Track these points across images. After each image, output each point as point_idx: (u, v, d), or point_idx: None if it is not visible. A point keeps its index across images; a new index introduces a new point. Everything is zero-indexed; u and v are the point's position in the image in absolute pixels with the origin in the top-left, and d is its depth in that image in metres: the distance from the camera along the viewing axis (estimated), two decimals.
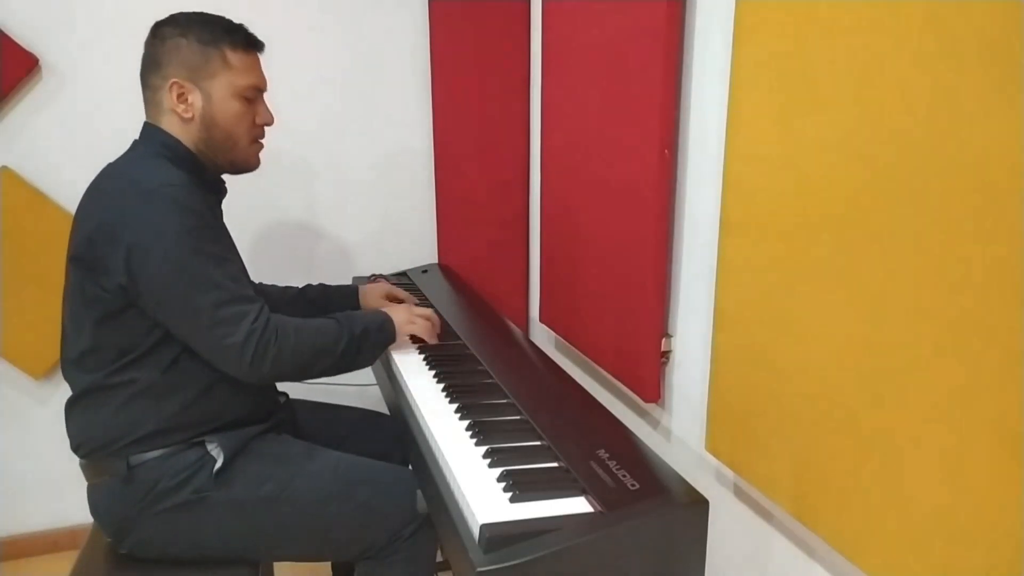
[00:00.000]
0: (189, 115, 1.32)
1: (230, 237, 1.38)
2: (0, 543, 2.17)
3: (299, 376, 1.34)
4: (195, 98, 1.32)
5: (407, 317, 1.53)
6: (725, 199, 1.23)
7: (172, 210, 1.20)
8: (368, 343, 1.40)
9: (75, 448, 1.31)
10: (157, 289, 1.20)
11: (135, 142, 1.36)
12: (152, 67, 1.33)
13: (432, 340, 1.57)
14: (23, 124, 1.97)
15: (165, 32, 1.32)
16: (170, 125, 1.33)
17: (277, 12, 2.06)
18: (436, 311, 1.65)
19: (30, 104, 1.96)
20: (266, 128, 1.42)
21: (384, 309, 1.51)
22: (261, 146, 1.43)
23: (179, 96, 1.31)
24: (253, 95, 1.38)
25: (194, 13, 1.35)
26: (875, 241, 0.93)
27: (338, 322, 1.37)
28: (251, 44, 1.38)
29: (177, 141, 1.33)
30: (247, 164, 1.42)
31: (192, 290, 1.19)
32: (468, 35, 2.12)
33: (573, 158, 1.77)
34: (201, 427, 1.30)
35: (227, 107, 1.34)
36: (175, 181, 1.24)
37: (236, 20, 1.38)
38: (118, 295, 1.22)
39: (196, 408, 1.28)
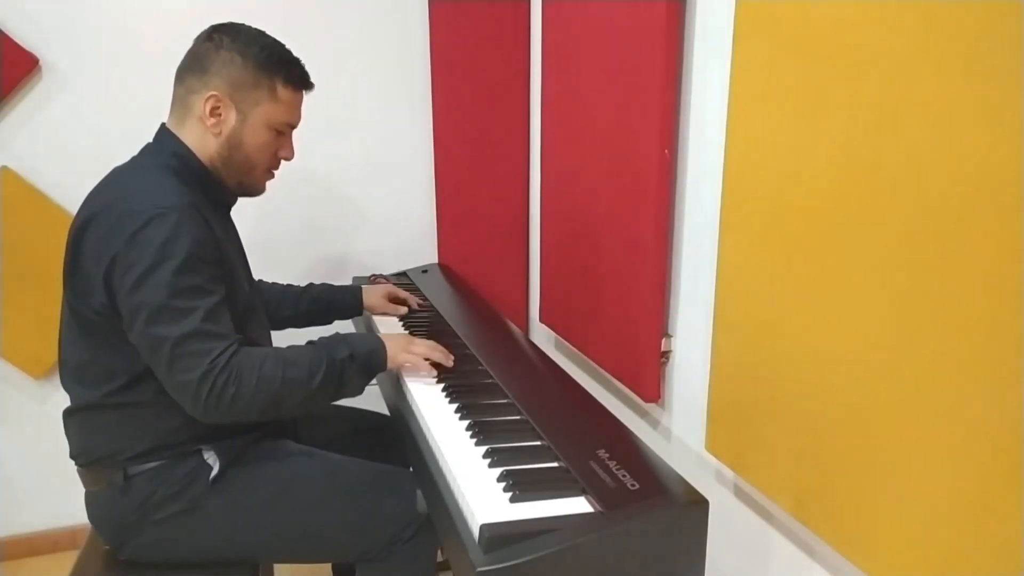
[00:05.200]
0: (218, 130, 1.29)
1: (231, 258, 1.31)
2: (0, 543, 2.17)
3: (269, 414, 1.24)
4: (229, 115, 1.28)
5: (403, 344, 1.41)
6: (725, 199, 1.24)
7: (158, 235, 1.14)
8: (354, 369, 1.29)
9: (73, 456, 1.31)
10: (128, 312, 1.15)
11: (147, 146, 1.33)
12: (196, 69, 1.28)
13: (424, 370, 1.42)
14: (23, 124, 1.96)
15: (224, 41, 1.28)
16: (190, 132, 1.30)
17: (276, 12, 2.06)
18: (438, 319, 1.53)
19: (30, 104, 1.96)
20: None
21: (383, 335, 1.40)
22: (272, 176, 1.41)
23: (213, 109, 1.27)
24: (285, 129, 1.36)
25: (256, 31, 1.31)
26: (875, 241, 0.93)
27: (317, 349, 1.28)
28: (303, 83, 1.35)
29: (190, 152, 1.29)
30: (254, 190, 1.40)
31: (158, 319, 1.13)
32: (468, 35, 2.13)
33: (573, 158, 1.77)
34: (200, 438, 1.28)
35: (258, 135, 1.31)
36: (171, 203, 1.18)
37: (271, 33, 1.34)
38: (105, 316, 1.19)
39: (196, 423, 1.24)
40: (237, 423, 1.27)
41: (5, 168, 1.95)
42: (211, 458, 1.29)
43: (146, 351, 1.17)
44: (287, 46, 1.34)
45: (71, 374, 1.28)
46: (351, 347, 1.30)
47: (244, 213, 1.52)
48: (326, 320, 1.82)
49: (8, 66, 1.90)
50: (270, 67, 1.29)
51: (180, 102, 1.31)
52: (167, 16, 1.99)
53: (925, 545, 0.90)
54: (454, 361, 1.45)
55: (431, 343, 1.45)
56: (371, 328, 1.81)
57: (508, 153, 2.21)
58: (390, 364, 1.36)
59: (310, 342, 1.31)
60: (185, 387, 1.15)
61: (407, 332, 1.74)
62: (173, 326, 1.13)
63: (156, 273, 1.14)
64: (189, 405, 1.17)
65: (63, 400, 1.31)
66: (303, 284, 1.79)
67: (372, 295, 1.83)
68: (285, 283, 1.78)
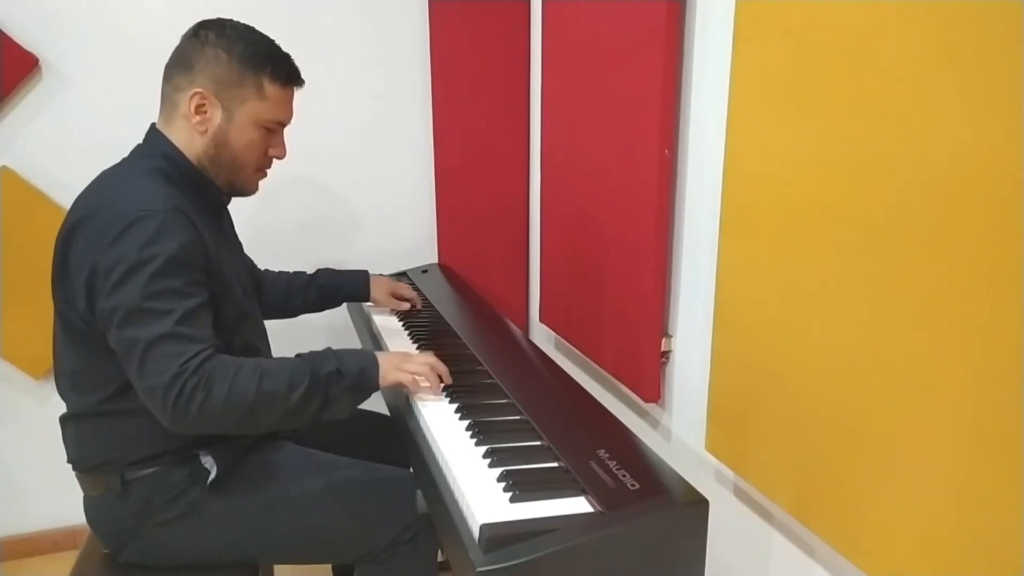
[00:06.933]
0: (203, 128, 1.26)
1: (222, 264, 1.26)
2: (0, 543, 2.17)
3: (245, 427, 1.18)
4: (214, 113, 1.26)
5: (397, 362, 1.31)
6: (725, 199, 1.24)
7: (138, 238, 1.11)
8: (343, 386, 1.22)
9: (71, 462, 1.30)
10: (106, 314, 1.12)
11: (138, 147, 1.31)
12: (182, 66, 1.25)
13: (417, 390, 1.35)
14: (23, 124, 1.96)
15: (209, 38, 1.25)
16: (177, 130, 1.28)
17: (276, 13, 2.06)
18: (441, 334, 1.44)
19: (30, 104, 1.96)
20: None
21: (379, 352, 1.32)
22: (264, 175, 1.37)
23: (198, 107, 1.24)
24: (274, 127, 1.32)
25: (244, 27, 1.28)
26: (874, 241, 0.93)
27: (302, 363, 1.21)
28: (292, 79, 1.31)
29: (179, 153, 1.27)
30: (245, 190, 1.36)
31: (131, 321, 1.10)
32: (468, 35, 2.13)
33: (573, 158, 1.77)
34: (197, 443, 1.27)
35: (244, 133, 1.28)
36: (154, 206, 1.15)
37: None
38: (91, 323, 1.17)
39: None
40: (211, 434, 1.22)
41: (5, 168, 1.95)
42: (208, 462, 1.28)
43: (120, 355, 1.14)
44: (278, 42, 1.31)
45: (65, 381, 1.27)
46: (340, 362, 1.23)
47: (242, 213, 1.52)
48: (335, 304, 1.83)
49: (8, 66, 1.90)
50: (256, 64, 1.26)
51: (167, 101, 1.28)
52: (167, 16, 1.99)
53: (925, 545, 0.90)
54: (455, 360, 1.40)
55: (429, 361, 1.35)
56: (370, 325, 1.82)
57: (508, 153, 2.21)
58: (383, 383, 1.28)
59: (299, 355, 1.26)
60: (153, 391, 1.10)
61: (407, 332, 1.75)
62: (145, 328, 1.10)
63: (134, 275, 1.11)
64: (158, 411, 1.11)
65: (63, 402, 1.31)
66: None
67: (378, 288, 1.84)
68: (292, 271, 1.79)
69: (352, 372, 1.24)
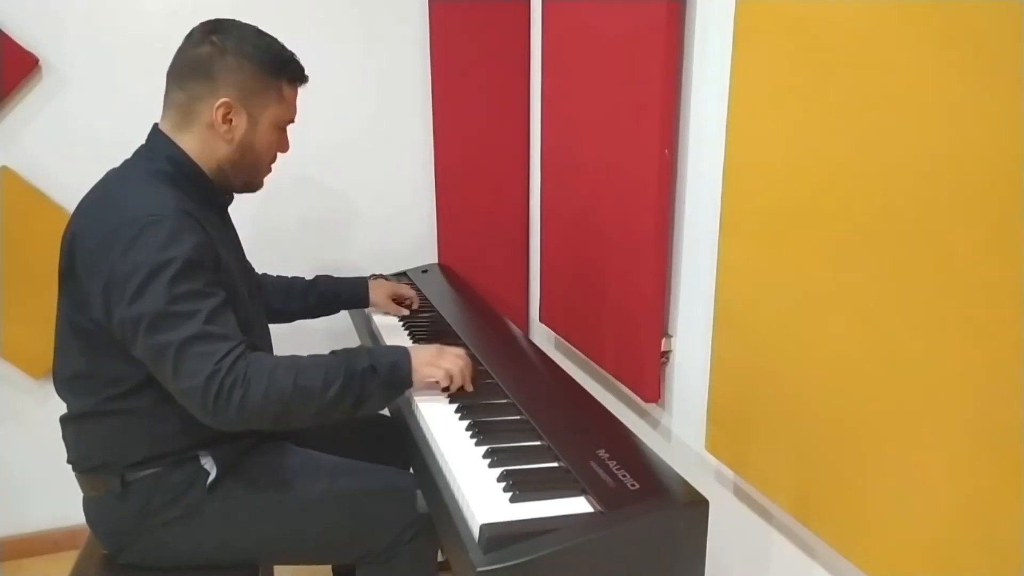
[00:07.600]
0: (230, 136, 1.27)
1: (229, 265, 1.28)
2: (0, 543, 2.17)
3: (283, 423, 1.19)
4: (240, 121, 1.27)
5: (429, 358, 1.32)
6: (725, 199, 1.24)
7: (153, 243, 1.12)
8: (376, 382, 1.23)
9: (71, 462, 1.30)
10: (130, 324, 1.12)
11: (140, 148, 1.30)
12: (200, 75, 1.24)
13: (453, 388, 1.35)
14: (23, 124, 1.96)
15: (227, 45, 1.24)
16: (195, 138, 1.27)
17: (277, 12, 2.06)
18: (469, 353, 1.41)
19: (30, 104, 1.96)
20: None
21: (412, 347, 1.32)
22: (270, 171, 1.40)
23: (224, 116, 1.25)
24: (286, 126, 1.36)
25: (252, 30, 1.29)
26: (874, 241, 0.93)
27: (336, 359, 1.22)
28: (303, 79, 1.35)
29: (184, 156, 1.27)
30: (257, 187, 1.40)
31: (159, 327, 1.10)
32: (468, 35, 2.13)
33: (573, 158, 1.77)
34: (197, 445, 1.27)
35: (267, 136, 1.31)
36: (164, 210, 1.15)
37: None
38: (102, 326, 1.17)
39: (193, 430, 1.23)
40: (245, 429, 1.21)
41: (5, 168, 1.95)
42: (208, 464, 1.28)
43: (151, 361, 1.14)
44: (283, 42, 1.33)
45: (65, 383, 1.27)
46: (373, 359, 1.24)
47: (243, 213, 1.52)
48: (334, 311, 1.83)
49: (8, 66, 1.89)
50: (275, 70, 1.29)
51: (181, 108, 1.27)
52: (167, 16, 1.99)
53: (925, 545, 0.90)
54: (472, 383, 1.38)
55: (460, 362, 1.35)
56: (371, 326, 1.82)
57: (508, 153, 2.21)
58: (416, 379, 1.29)
59: (333, 352, 1.26)
60: (192, 392, 1.11)
61: (407, 332, 1.75)
62: (175, 332, 1.10)
63: (154, 282, 1.11)
64: (199, 411, 1.12)
65: (63, 402, 1.31)
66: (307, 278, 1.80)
67: (378, 292, 1.84)
68: (291, 276, 1.79)
69: (385, 368, 1.25)
